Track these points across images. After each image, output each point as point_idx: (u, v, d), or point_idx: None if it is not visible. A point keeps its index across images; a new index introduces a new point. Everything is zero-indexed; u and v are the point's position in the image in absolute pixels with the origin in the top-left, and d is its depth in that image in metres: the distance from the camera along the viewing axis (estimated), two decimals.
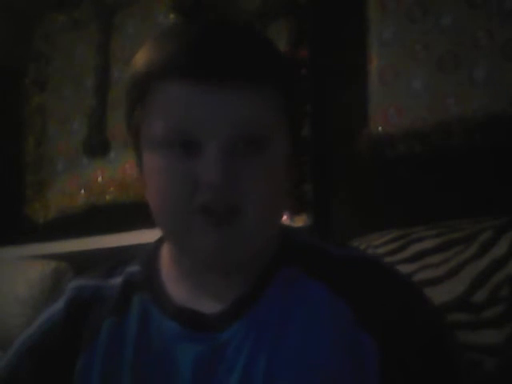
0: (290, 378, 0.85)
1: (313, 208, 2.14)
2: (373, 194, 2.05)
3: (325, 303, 0.88)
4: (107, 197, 2.69)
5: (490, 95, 1.85)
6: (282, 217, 0.93)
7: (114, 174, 2.66)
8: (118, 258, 1.01)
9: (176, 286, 0.93)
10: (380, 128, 2.03)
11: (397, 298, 0.89)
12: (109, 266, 1.01)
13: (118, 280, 0.97)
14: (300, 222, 2.09)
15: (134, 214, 2.50)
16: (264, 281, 0.90)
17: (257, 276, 0.91)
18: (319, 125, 2.17)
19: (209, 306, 0.90)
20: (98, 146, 2.74)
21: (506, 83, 1.82)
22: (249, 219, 0.84)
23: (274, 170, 0.87)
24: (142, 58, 0.88)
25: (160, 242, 0.99)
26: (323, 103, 2.18)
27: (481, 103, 1.86)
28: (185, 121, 0.84)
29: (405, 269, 1.46)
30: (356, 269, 0.91)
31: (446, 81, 1.92)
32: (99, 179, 2.73)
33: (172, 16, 2.47)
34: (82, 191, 2.78)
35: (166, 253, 0.96)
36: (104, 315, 0.93)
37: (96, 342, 0.92)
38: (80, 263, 2.54)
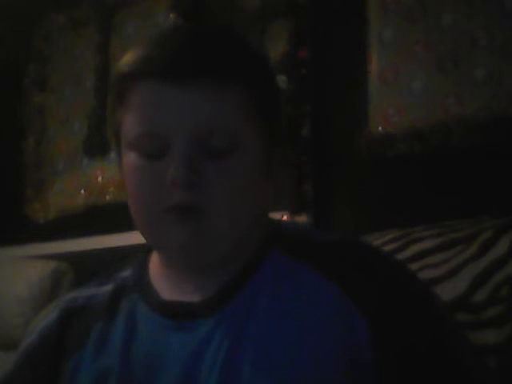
0: (277, 363, 0.85)
1: (313, 208, 2.14)
2: (373, 193, 2.05)
3: (313, 287, 0.88)
4: (107, 197, 2.69)
5: (490, 95, 1.85)
6: (254, 218, 0.92)
7: (114, 174, 2.66)
8: (116, 265, 1.03)
9: (163, 283, 0.95)
10: (380, 128, 2.03)
11: (385, 275, 0.89)
12: (106, 273, 1.03)
13: (110, 286, 0.99)
14: (300, 221, 2.09)
15: None
16: (249, 268, 0.91)
17: (242, 264, 0.92)
18: (319, 125, 2.17)
19: (196, 296, 0.91)
20: (97, 146, 2.74)
21: (506, 83, 1.83)
22: (212, 220, 0.86)
23: (244, 172, 0.88)
24: (122, 62, 0.92)
25: (149, 249, 1.00)
26: (323, 103, 2.18)
27: (481, 103, 1.86)
28: (154, 121, 0.87)
29: None
30: (342, 250, 0.92)
31: (446, 81, 1.93)
32: (99, 179, 2.74)
33: (172, 16, 2.47)
34: (82, 191, 2.78)
35: (155, 257, 0.98)
36: (93, 320, 0.96)
37: (85, 345, 0.94)
38: (80, 263, 2.54)
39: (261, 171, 0.91)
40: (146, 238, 0.94)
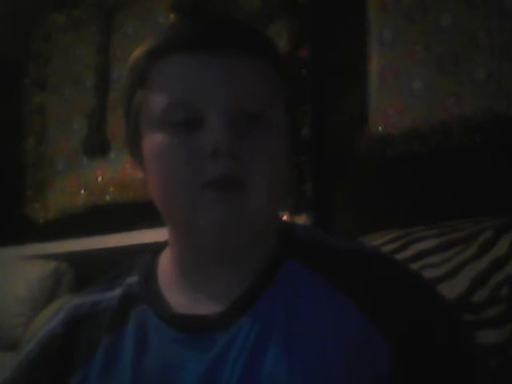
0: (294, 377, 0.83)
1: (313, 208, 2.14)
2: (373, 193, 2.05)
3: (329, 300, 0.86)
4: (107, 197, 2.69)
5: (490, 95, 1.85)
6: (282, 198, 0.92)
7: (114, 174, 2.66)
8: (120, 266, 1.00)
9: (175, 293, 0.91)
10: (380, 128, 2.03)
11: (406, 292, 0.88)
12: (110, 276, 0.99)
13: (117, 292, 0.95)
14: (300, 221, 2.09)
15: (133, 214, 2.50)
16: (265, 278, 0.89)
17: (257, 273, 0.89)
18: (319, 125, 2.17)
19: (209, 308, 0.88)
20: (98, 146, 2.74)
21: (505, 83, 1.83)
22: (253, 192, 0.84)
23: (276, 147, 0.87)
24: (142, 46, 0.91)
25: (157, 251, 0.98)
26: (323, 103, 2.18)
27: (481, 103, 1.86)
28: (187, 93, 0.85)
29: None
30: (361, 263, 0.89)
31: (446, 81, 1.92)
32: (99, 179, 2.74)
33: (172, 16, 2.47)
34: (82, 191, 2.78)
35: (164, 261, 0.95)
36: (101, 331, 0.92)
37: (93, 358, 0.90)
38: (80, 263, 2.55)
39: (285, 157, 0.90)
40: (177, 223, 0.89)
